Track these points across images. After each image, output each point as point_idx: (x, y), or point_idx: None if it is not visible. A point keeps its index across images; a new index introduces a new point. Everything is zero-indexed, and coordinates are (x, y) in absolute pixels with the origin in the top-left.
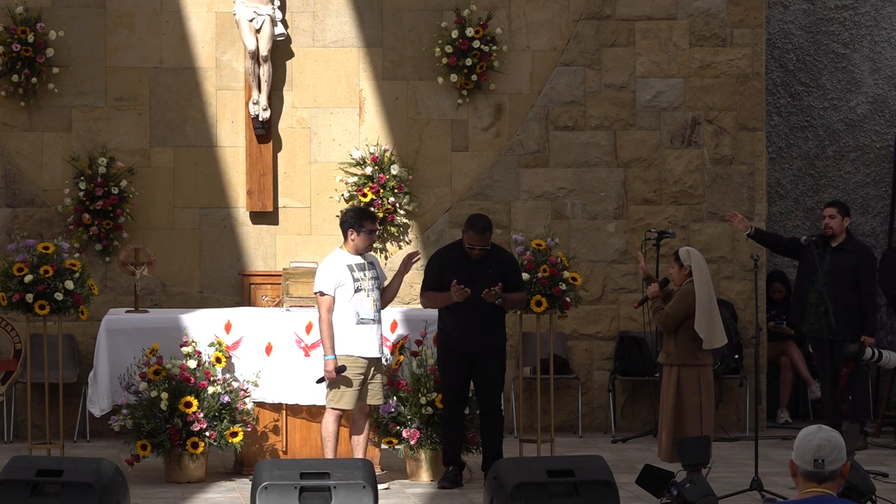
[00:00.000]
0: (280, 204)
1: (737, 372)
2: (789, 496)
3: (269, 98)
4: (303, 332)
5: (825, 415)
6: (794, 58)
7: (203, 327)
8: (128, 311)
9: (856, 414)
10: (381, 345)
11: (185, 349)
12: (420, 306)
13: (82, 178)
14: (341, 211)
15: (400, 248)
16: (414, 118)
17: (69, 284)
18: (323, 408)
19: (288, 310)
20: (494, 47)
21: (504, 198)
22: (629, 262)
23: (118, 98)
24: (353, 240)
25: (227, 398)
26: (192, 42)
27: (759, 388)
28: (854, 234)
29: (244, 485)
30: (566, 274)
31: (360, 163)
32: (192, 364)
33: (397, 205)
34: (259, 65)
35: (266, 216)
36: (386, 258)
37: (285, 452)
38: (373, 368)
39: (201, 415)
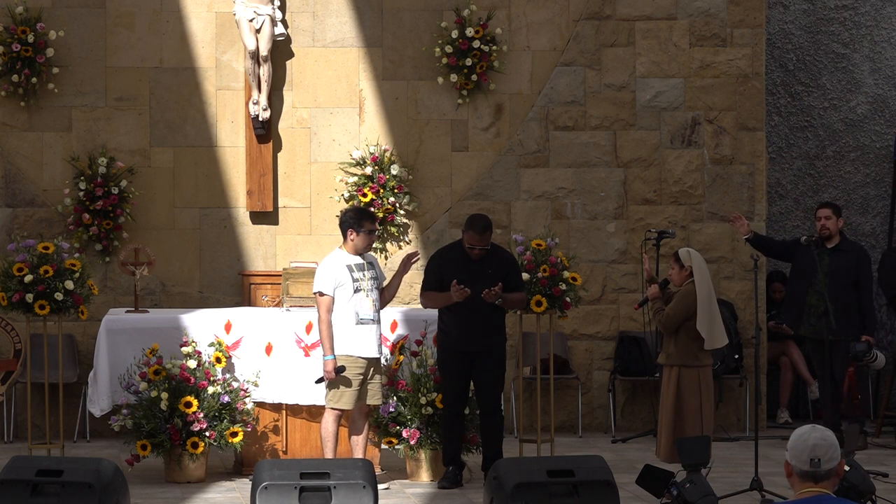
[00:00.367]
0: (280, 204)
1: (737, 372)
2: (788, 496)
3: (269, 98)
4: (303, 332)
5: (824, 415)
6: (794, 58)
7: (203, 327)
8: (128, 311)
9: (856, 414)
10: (381, 345)
11: (185, 349)
12: (420, 306)
13: (82, 178)
14: (341, 211)
15: (400, 248)
16: (414, 118)
17: (69, 284)
18: (323, 408)
19: (288, 310)
20: (494, 47)
21: (504, 198)
22: (629, 262)
23: (118, 98)
24: (352, 240)
25: (227, 398)
26: (192, 42)
27: (759, 388)
28: (848, 235)
29: (244, 485)
30: (566, 274)
31: (360, 163)
32: (192, 364)
33: (397, 205)
34: (259, 65)
35: (266, 216)
36: (386, 258)
37: (285, 452)
38: (372, 369)
39: (201, 415)
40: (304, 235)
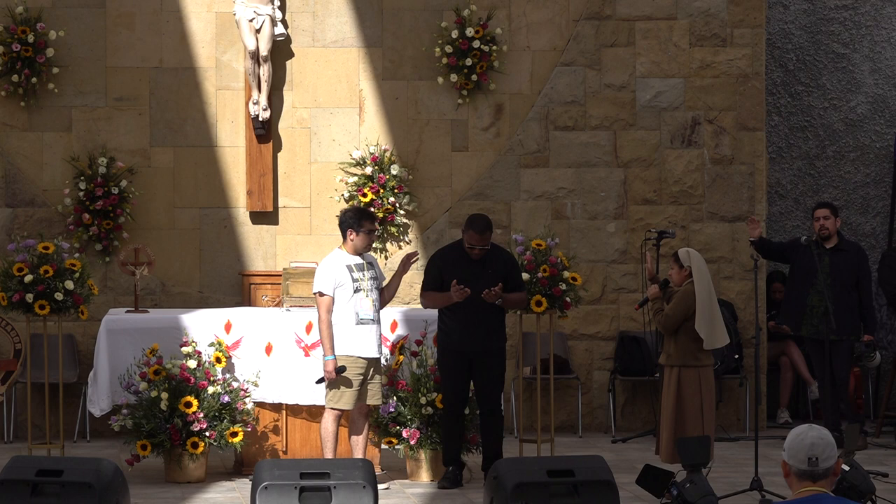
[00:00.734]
0: (280, 204)
1: (737, 372)
2: (788, 496)
3: (269, 98)
4: (303, 332)
5: (824, 415)
6: (794, 58)
7: (203, 327)
8: (128, 311)
9: (855, 413)
10: (381, 345)
11: (185, 349)
12: (420, 306)
13: (82, 178)
14: (341, 211)
15: (400, 248)
16: (414, 118)
17: (69, 284)
18: (322, 408)
19: (288, 310)
20: (494, 47)
21: (504, 198)
22: (629, 262)
23: (118, 98)
24: (352, 240)
25: (227, 398)
26: (192, 42)
27: (759, 388)
28: (848, 235)
29: (244, 485)
30: (566, 274)
31: (360, 163)
32: (192, 364)
33: (397, 205)
34: (259, 65)
35: (266, 216)
36: (386, 258)
37: (285, 452)
38: (372, 369)
39: (201, 415)
40: (304, 235)
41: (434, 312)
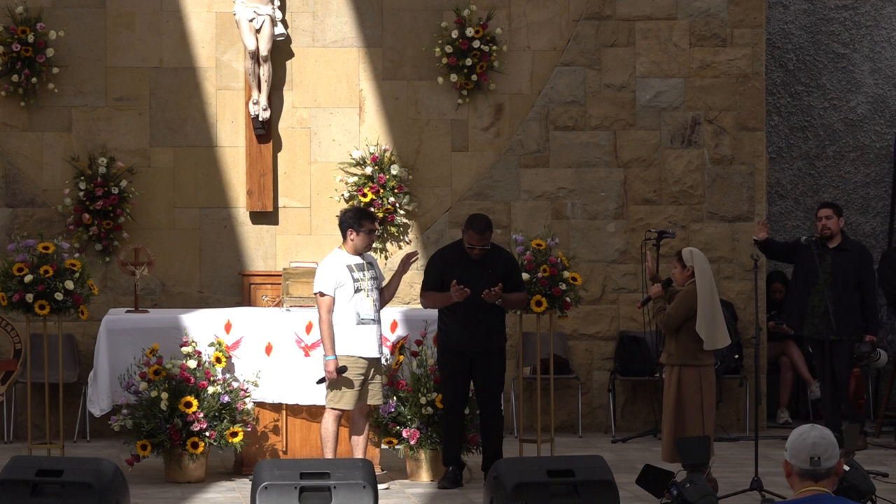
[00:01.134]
0: (280, 204)
1: (737, 372)
2: (788, 496)
3: (269, 98)
4: (303, 332)
5: (824, 415)
6: (794, 58)
7: (203, 327)
8: (128, 311)
9: (856, 414)
10: (381, 345)
11: (185, 349)
12: (420, 306)
13: (82, 178)
14: (341, 211)
15: (400, 248)
16: (414, 118)
17: (69, 284)
18: (323, 408)
19: (288, 310)
20: (494, 47)
21: (504, 198)
22: (629, 262)
23: (118, 98)
24: (352, 240)
25: (227, 398)
26: (192, 42)
27: (759, 388)
28: (849, 234)
29: (244, 485)
30: (566, 274)
31: (360, 163)
32: (192, 364)
33: (397, 205)
34: (259, 65)
35: (266, 216)
36: (386, 258)
37: (285, 452)
38: (373, 369)
39: (201, 415)
40: (304, 235)
41: (434, 312)
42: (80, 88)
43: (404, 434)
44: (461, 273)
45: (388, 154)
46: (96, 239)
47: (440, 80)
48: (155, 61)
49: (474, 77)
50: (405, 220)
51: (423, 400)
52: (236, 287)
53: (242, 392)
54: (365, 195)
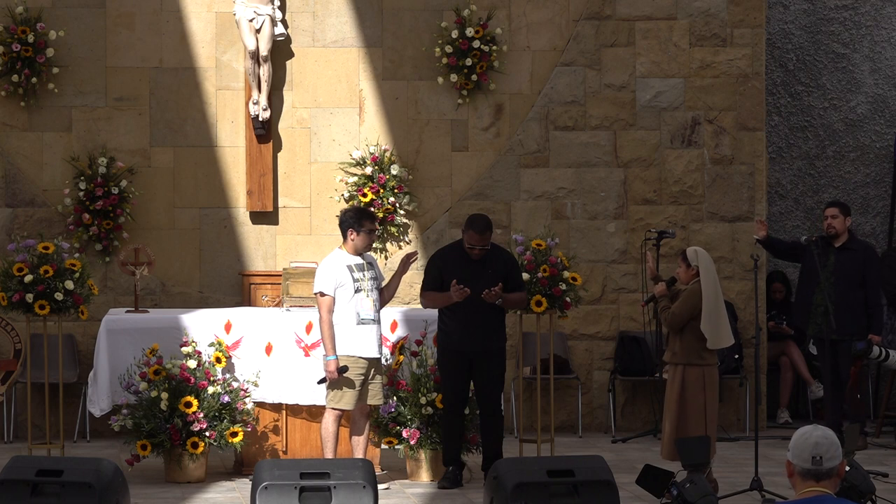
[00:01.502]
0: (280, 204)
1: (737, 372)
2: (789, 496)
3: (269, 98)
4: (303, 332)
5: (825, 415)
6: (794, 58)
7: (203, 327)
8: (128, 311)
9: (858, 414)
10: (381, 345)
11: (185, 349)
12: (420, 306)
13: (82, 178)
14: (341, 211)
15: (400, 248)
16: (414, 118)
17: (69, 284)
18: (323, 408)
19: (288, 310)
20: (494, 47)
21: (504, 198)
22: (629, 262)
23: (118, 98)
24: (352, 239)
25: (227, 398)
26: (192, 42)
27: (759, 388)
28: (856, 234)
29: (244, 485)
30: (566, 274)
31: (360, 163)
32: (192, 364)
33: (397, 205)
34: (259, 65)
35: (266, 216)
36: (386, 258)
37: (285, 452)
38: (373, 369)
39: (201, 415)
40: (304, 235)
41: (434, 312)
42: (80, 88)
43: (404, 434)
44: (461, 273)
45: (388, 154)
46: (96, 239)
47: (440, 80)
48: (155, 61)
49: (474, 77)
50: (405, 220)
51: (423, 400)
52: (236, 287)
53: (242, 392)
54: (365, 195)
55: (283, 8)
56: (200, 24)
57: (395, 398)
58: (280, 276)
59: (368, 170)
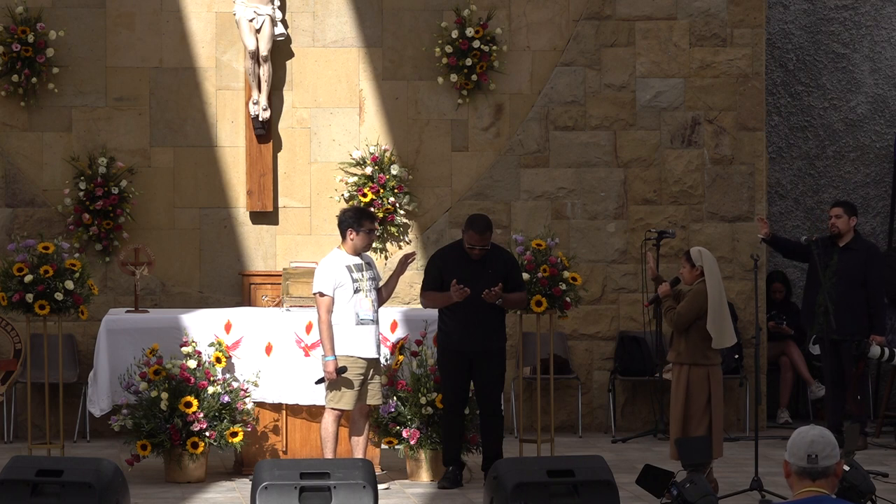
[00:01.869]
0: (280, 204)
1: (737, 372)
2: (788, 497)
3: (269, 98)
4: (303, 332)
5: (826, 415)
6: (794, 58)
7: (203, 327)
8: (128, 311)
9: (858, 414)
10: (379, 345)
11: (185, 349)
12: (420, 306)
13: (82, 178)
14: (340, 210)
15: (400, 248)
16: (414, 118)
17: (69, 284)
18: (322, 408)
19: (288, 310)
20: (494, 47)
21: (504, 198)
22: (629, 262)
23: (118, 98)
24: (352, 239)
25: (227, 398)
26: (192, 42)
27: (759, 388)
28: (862, 234)
29: (244, 485)
30: (566, 274)
31: (360, 163)
32: (192, 364)
33: (397, 205)
34: (259, 65)
35: (266, 216)
36: (385, 258)
37: (285, 452)
38: (372, 369)
39: (201, 415)
40: (304, 235)
41: (434, 312)
42: (80, 88)
43: (404, 434)
44: (461, 273)
45: (388, 154)
46: (96, 239)
47: (440, 80)
48: (155, 61)
49: (474, 77)
50: (405, 220)
51: (423, 400)
52: (236, 287)
53: (242, 392)
54: (365, 195)
55: (283, 8)
56: (200, 24)
57: (395, 398)
58: (280, 276)
59: (368, 170)
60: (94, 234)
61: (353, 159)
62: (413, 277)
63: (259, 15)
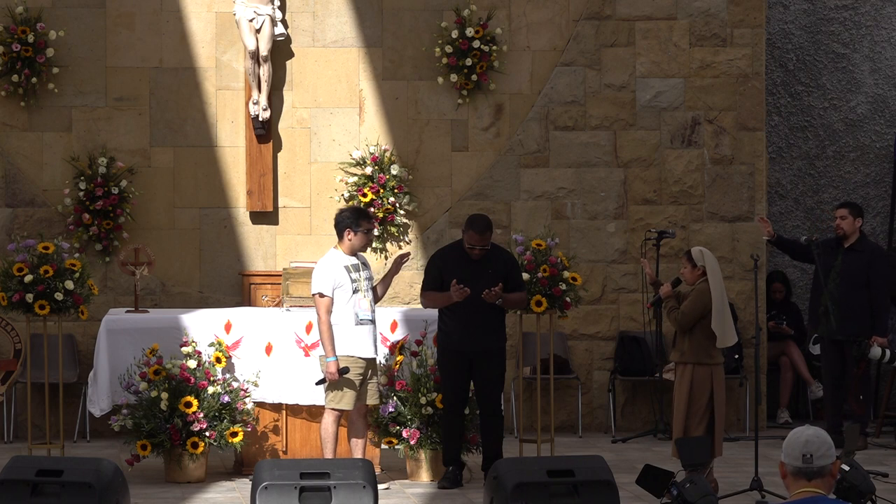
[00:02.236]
0: (280, 204)
1: (737, 372)
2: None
3: (269, 98)
4: (303, 332)
5: (826, 415)
6: (794, 58)
7: (203, 327)
8: (128, 311)
9: (858, 414)
10: (377, 345)
11: (185, 349)
12: (420, 306)
13: (82, 178)
14: (338, 210)
15: (400, 248)
16: (414, 118)
17: (69, 284)
18: (322, 408)
19: (288, 310)
20: (494, 47)
21: (504, 198)
22: (629, 262)
23: (118, 98)
24: (349, 240)
25: (227, 398)
26: (192, 42)
27: (759, 388)
28: (867, 235)
29: (244, 485)
30: (566, 274)
31: (360, 163)
32: (192, 364)
33: (397, 205)
34: (259, 65)
35: (266, 216)
36: (385, 258)
37: (285, 452)
38: (370, 370)
39: (201, 415)
40: (304, 235)
41: (434, 312)
42: (80, 88)
43: (404, 434)
44: (461, 273)
45: (388, 154)
46: (96, 239)
47: (440, 80)
48: (155, 61)
49: (474, 77)
50: (405, 220)
51: (423, 400)
52: (236, 287)
53: (242, 392)
54: (365, 195)
55: (283, 8)
56: (200, 24)
57: (395, 398)
58: (280, 276)
59: (368, 170)
60: (94, 234)
61: (353, 159)
62: (413, 277)
63: (259, 15)
